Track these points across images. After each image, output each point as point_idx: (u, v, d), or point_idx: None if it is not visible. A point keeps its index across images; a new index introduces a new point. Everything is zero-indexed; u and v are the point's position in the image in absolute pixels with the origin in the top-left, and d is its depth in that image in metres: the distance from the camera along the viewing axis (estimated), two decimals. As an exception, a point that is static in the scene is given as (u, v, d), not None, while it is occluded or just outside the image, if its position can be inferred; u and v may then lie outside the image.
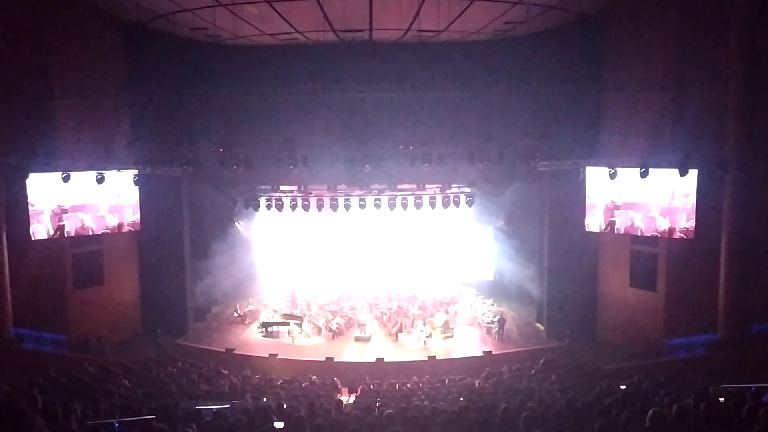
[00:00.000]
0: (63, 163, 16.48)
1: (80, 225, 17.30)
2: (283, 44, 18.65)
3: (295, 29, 16.93)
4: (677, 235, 16.24)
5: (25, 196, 16.25)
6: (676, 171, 15.32)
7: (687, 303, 16.70)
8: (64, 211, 16.91)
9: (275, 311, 20.49)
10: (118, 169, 17.51)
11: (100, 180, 16.95)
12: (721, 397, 9.11)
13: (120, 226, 18.13)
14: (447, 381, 15.40)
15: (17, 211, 16.42)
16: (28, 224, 16.39)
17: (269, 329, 19.55)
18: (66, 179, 16.23)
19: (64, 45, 17.08)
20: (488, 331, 19.49)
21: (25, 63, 16.52)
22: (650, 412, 6.19)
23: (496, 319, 19.59)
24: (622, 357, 16.98)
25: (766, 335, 14.74)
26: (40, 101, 16.73)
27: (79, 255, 18.28)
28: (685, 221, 15.99)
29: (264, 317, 20.17)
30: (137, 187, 17.90)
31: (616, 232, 17.45)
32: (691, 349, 15.92)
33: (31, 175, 16.08)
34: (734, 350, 14.84)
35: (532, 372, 15.88)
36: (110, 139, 18.00)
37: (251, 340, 19.42)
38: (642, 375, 13.65)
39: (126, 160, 18.21)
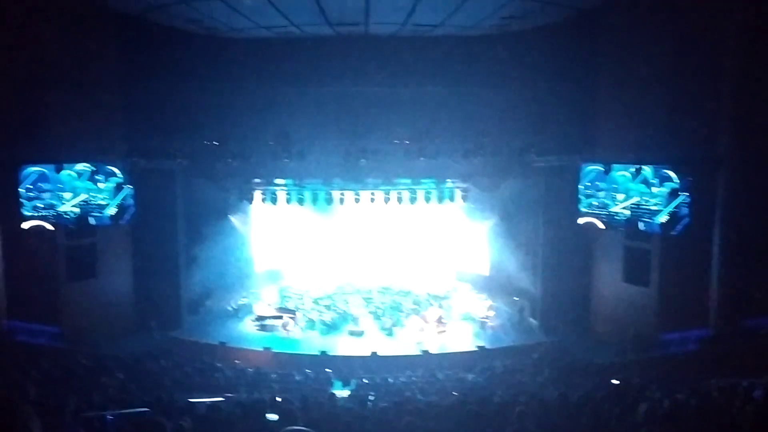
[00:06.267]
0: (56, 156, 16.40)
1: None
2: (279, 37, 18.57)
3: (290, 22, 16.85)
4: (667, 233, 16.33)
5: (18, 188, 16.16)
6: (668, 170, 15.45)
7: (679, 298, 16.79)
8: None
9: (269, 305, 20.48)
10: (112, 162, 17.43)
11: (94, 172, 16.92)
12: (713, 392, 9.19)
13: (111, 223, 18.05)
14: (441, 375, 15.44)
15: (10, 203, 16.33)
16: (20, 216, 16.30)
17: (263, 323, 19.54)
18: (59, 171, 16.18)
19: (58, 36, 16.93)
20: (482, 326, 19.55)
21: (18, 55, 16.38)
22: (642, 407, 6.23)
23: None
24: (615, 352, 17.07)
25: (758, 330, 14.86)
26: (33, 93, 16.62)
27: (73, 247, 18.20)
28: (676, 222, 16.03)
29: (258, 311, 20.16)
30: (131, 185, 17.81)
31: (605, 227, 17.55)
32: (683, 345, 16.03)
33: (24, 166, 16.01)
34: (726, 345, 14.95)
35: (526, 367, 15.95)
36: (104, 132, 17.89)
37: (245, 333, 19.41)
38: (634, 370, 13.73)
39: (120, 152, 18.13)
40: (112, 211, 17.78)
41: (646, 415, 6.08)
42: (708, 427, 5.92)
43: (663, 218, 16.20)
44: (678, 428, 5.87)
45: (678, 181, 15.77)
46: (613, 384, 12.05)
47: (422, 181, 19.67)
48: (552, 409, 7.76)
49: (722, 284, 15.62)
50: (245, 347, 18.18)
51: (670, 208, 16.02)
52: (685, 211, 15.80)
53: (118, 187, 17.71)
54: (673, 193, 15.92)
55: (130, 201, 17.93)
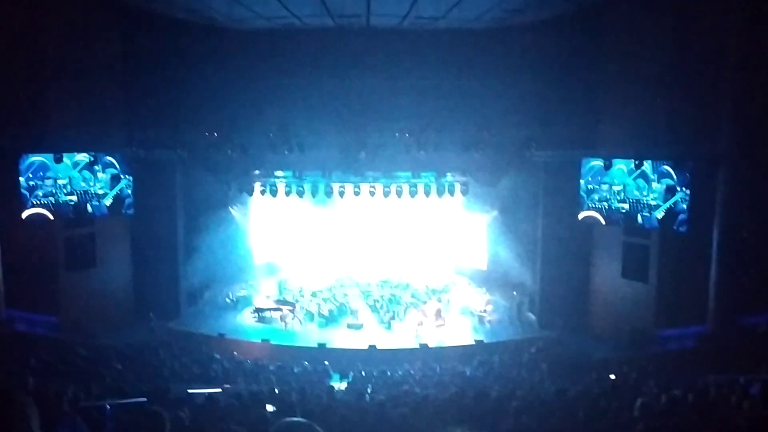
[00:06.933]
0: (55, 145, 16.36)
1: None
2: (279, 28, 18.50)
3: (291, 13, 16.77)
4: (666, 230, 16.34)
5: (17, 177, 16.15)
6: (668, 166, 15.47)
7: (678, 295, 16.81)
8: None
9: (268, 297, 20.51)
10: (111, 152, 17.40)
11: (93, 162, 16.90)
12: (710, 388, 9.21)
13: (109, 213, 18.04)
14: (438, 369, 15.48)
15: (9, 192, 16.31)
16: (20, 205, 16.29)
17: (262, 314, 19.57)
18: (58, 161, 16.17)
19: (58, 26, 16.84)
20: (480, 320, 19.58)
21: (18, 44, 16.31)
22: (639, 402, 6.24)
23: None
24: (613, 347, 17.11)
25: (755, 327, 14.89)
26: (33, 82, 16.56)
27: (72, 237, 18.19)
28: (673, 218, 16.03)
29: (257, 303, 20.19)
30: (130, 175, 17.78)
31: (604, 223, 17.57)
32: (681, 341, 16.06)
33: (23, 156, 15.99)
34: (724, 342, 14.97)
35: (523, 361, 15.99)
36: (103, 122, 17.85)
37: (244, 325, 19.45)
38: (631, 365, 13.77)
39: (119, 142, 18.09)
40: (109, 201, 17.75)
41: (642, 411, 6.09)
42: (705, 423, 5.94)
43: (660, 214, 16.21)
44: (675, 424, 5.88)
45: (675, 178, 15.79)
46: (611, 379, 12.10)
47: (422, 174, 19.65)
48: (549, 404, 7.78)
49: (720, 281, 15.63)
50: (244, 339, 18.21)
51: (668, 204, 16.03)
52: (681, 207, 15.80)
53: (116, 178, 17.70)
54: (670, 190, 15.93)
55: (127, 192, 17.91)
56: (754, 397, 7.58)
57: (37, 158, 16.32)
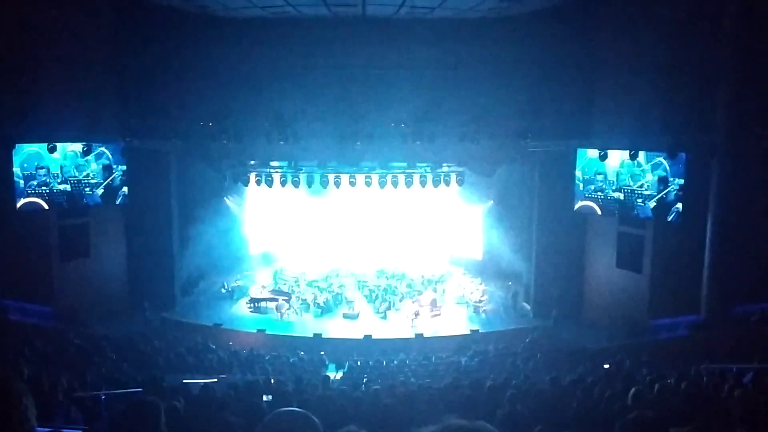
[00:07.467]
0: (49, 135, 16.25)
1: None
2: (275, 17, 18.35)
3: (286, 1, 16.63)
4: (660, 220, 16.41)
5: (11, 167, 16.05)
6: (662, 156, 15.51)
7: (671, 284, 16.90)
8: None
9: (264, 287, 20.51)
10: (105, 142, 17.30)
11: (87, 152, 16.81)
12: (702, 376, 9.28)
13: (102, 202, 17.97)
14: (434, 358, 15.55)
15: (2, 181, 16.21)
16: (13, 195, 16.21)
17: (257, 305, 19.58)
18: (52, 150, 16.07)
19: (51, 15, 16.68)
20: (476, 310, 19.65)
21: (11, 32, 16.14)
22: (632, 391, 6.28)
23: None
24: (607, 337, 17.21)
25: (747, 317, 14.98)
26: (27, 72, 16.43)
27: (66, 227, 18.13)
28: (666, 209, 16.07)
29: (252, 293, 20.19)
30: (124, 165, 17.69)
31: (600, 213, 17.62)
32: (674, 330, 16.16)
33: (17, 146, 15.89)
34: (717, 331, 15.07)
35: (518, 350, 16.07)
36: (97, 112, 17.72)
37: (239, 315, 19.46)
38: (625, 354, 13.85)
39: (113, 132, 17.98)
40: (101, 191, 17.68)
41: (635, 399, 6.13)
42: (697, 412, 5.98)
43: (652, 204, 16.29)
44: (667, 412, 5.92)
45: (669, 168, 15.85)
46: (604, 368, 12.17)
47: (418, 164, 19.61)
48: (543, 393, 7.83)
49: (714, 271, 15.70)
50: (239, 329, 18.23)
51: (662, 194, 16.10)
52: (673, 197, 15.87)
53: (108, 168, 17.62)
54: (663, 180, 16.00)
55: (118, 182, 17.86)
56: (747, 386, 7.65)
57: (31, 148, 16.23)
